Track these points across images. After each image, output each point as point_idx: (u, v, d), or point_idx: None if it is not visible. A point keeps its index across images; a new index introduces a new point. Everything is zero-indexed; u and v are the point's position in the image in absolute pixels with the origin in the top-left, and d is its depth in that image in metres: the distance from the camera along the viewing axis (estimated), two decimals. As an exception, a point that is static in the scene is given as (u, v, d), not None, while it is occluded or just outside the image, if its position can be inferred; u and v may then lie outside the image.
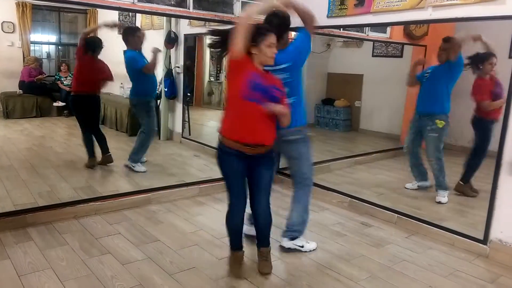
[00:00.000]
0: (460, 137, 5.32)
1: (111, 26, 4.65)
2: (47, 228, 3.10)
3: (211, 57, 8.88)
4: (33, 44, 8.40)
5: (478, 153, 4.03)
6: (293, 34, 2.86)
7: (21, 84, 7.72)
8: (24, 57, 8.01)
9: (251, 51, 2.30)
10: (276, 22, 2.56)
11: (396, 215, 3.52)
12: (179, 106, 6.21)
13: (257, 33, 2.28)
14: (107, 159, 4.63)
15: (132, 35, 4.28)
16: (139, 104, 4.49)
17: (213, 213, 3.58)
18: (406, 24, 4.71)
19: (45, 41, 8.84)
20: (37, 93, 7.70)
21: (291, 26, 2.67)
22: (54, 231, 3.07)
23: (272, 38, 2.30)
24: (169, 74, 6.08)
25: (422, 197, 4.07)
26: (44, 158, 4.94)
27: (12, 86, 7.64)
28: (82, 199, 3.48)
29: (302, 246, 2.89)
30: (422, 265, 2.81)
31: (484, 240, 2.97)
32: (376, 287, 2.51)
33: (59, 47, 9.04)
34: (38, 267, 2.55)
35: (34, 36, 8.45)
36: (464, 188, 4.08)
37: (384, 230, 3.39)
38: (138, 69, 4.27)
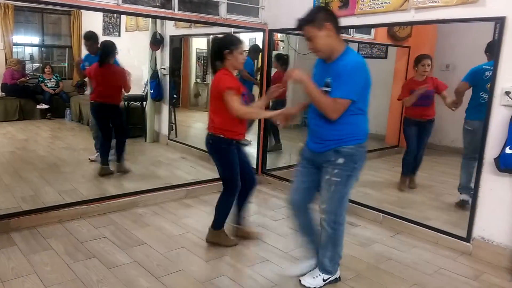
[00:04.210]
0: (444, 137, 5.42)
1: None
2: (31, 233, 3.05)
3: (198, 58, 8.85)
4: (15, 46, 8.26)
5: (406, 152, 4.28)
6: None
7: (3, 87, 7.59)
8: (6, 59, 7.87)
9: (226, 57, 2.73)
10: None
11: (382, 214, 3.56)
12: (165, 108, 6.17)
13: (231, 42, 2.76)
14: (118, 168, 4.53)
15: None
16: None
17: (200, 215, 3.57)
18: (389, 25, 4.78)
19: (28, 42, 8.71)
20: (20, 95, 7.58)
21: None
22: (38, 235, 3.02)
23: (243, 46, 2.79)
24: (155, 76, 6.04)
25: (407, 197, 4.12)
26: (28, 162, 4.86)
27: (-6, 88, 7.51)
28: (66, 203, 3.43)
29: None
30: (407, 263, 2.85)
31: (467, 238, 3.03)
32: (362, 286, 2.54)
33: (43, 49, 8.91)
34: (22, 272, 2.51)
35: (17, 38, 8.31)
36: (400, 185, 4.33)
37: (369, 229, 3.42)
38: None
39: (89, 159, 4.87)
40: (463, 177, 3.81)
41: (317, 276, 2.50)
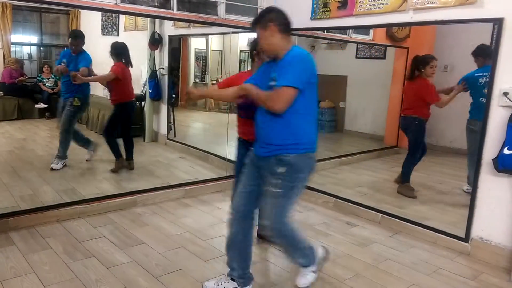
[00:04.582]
0: (441, 137, 5.43)
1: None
2: (29, 232, 3.05)
3: (196, 58, 8.85)
4: (14, 45, 8.24)
5: (413, 153, 4.13)
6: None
7: (2, 86, 7.56)
8: (4, 59, 7.86)
9: (255, 58, 2.74)
10: None
11: (380, 214, 3.56)
12: (164, 108, 6.17)
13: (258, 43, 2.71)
14: (130, 165, 4.67)
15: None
16: None
17: (198, 215, 3.58)
18: (387, 26, 4.78)
19: (26, 42, 8.69)
20: (18, 95, 7.55)
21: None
22: (36, 235, 3.02)
23: None
24: (153, 76, 6.04)
25: (405, 197, 4.13)
26: (26, 161, 4.85)
27: (-8, 88, 7.49)
28: (65, 202, 3.43)
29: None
30: (405, 263, 2.86)
31: (466, 238, 3.04)
32: (361, 286, 2.54)
33: (41, 48, 8.89)
34: (21, 271, 2.51)
35: (15, 37, 8.29)
36: (402, 189, 4.16)
37: (368, 229, 3.43)
38: None
39: (86, 159, 4.85)
40: (470, 172, 3.81)
41: (306, 274, 2.40)
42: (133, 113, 4.75)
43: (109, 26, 7.28)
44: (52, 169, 4.45)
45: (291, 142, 2.14)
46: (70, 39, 4.53)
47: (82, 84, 4.42)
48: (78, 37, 4.57)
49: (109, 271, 2.57)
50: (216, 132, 6.73)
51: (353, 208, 3.75)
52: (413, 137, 4.14)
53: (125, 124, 4.64)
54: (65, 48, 5.04)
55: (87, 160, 4.83)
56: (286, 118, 2.11)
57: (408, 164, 4.17)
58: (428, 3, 3.07)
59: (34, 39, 8.78)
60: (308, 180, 2.26)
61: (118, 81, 4.40)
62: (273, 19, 2.20)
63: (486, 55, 3.66)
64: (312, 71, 2.15)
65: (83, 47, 4.53)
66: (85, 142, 4.81)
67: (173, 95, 6.56)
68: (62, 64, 4.47)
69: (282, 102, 2.06)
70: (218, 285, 2.37)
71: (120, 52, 4.43)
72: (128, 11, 3.56)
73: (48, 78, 7.96)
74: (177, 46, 7.63)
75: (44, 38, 8.81)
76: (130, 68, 4.56)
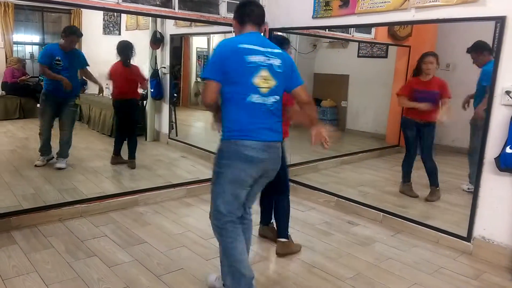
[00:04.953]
0: (444, 136, 5.42)
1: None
2: (31, 231, 3.05)
3: (198, 57, 8.86)
4: (16, 45, 8.26)
5: (406, 152, 4.12)
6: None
7: (4, 85, 7.58)
8: (6, 58, 7.88)
9: None
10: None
11: (382, 213, 3.56)
12: (165, 107, 6.17)
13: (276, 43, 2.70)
14: (132, 164, 4.74)
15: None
16: None
17: (200, 214, 3.58)
18: (389, 25, 4.77)
19: (28, 41, 8.71)
20: (20, 94, 7.57)
21: None
22: (39, 234, 3.02)
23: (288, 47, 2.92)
24: (155, 75, 6.05)
25: (407, 196, 4.12)
26: (28, 160, 4.85)
27: (-6, 87, 7.51)
28: (67, 202, 3.44)
29: None
30: (407, 262, 2.85)
31: (468, 238, 3.03)
32: (362, 285, 2.54)
33: (43, 47, 8.91)
34: (23, 270, 2.51)
35: (17, 36, 8.32)
36: (403, 188, 4.17)
37: (370, 228, 3.43)
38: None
39: (36, 165, 4.55)
40: (472, 170, 3.83)
41: None
42: (121, 111, 4.75)
43: (111, 25, 7.29)
44: (58, 169, 4.47)
45: (224, 129, 2.17)
46: (72, 36, 4.36)
47: (77, 82, 4.64)
48: (81, 35, 4.61)
49: (111, 270, 2.57)
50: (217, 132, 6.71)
51: (355, 207, 3.74)
52: (404, 136, 4.17)
53: (129, 122, 4.73)
54: (47, 44, 5.03)
55: (36, 166, 4.56)
56: (222, 108, 2.17)
57: (405, 163, 4.16)
58: (430, 2, 3.06)
59: (36, 38, 8.80)
60: (242, 169, 2.09)
61: (111, 80, 4.64)
62: (234, 15, 2.30)
63: (491, 50, 3.64)
64: (225, 60, 2.05)
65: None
66: (47, 149, 4.65)
67: (175, 94, 6.57)
68: (57, 63, 4.30)
69: (204, 95, 2.11)
70: (220, 279, 2.36)
71: (118, 51, 4.50)
72: (130, 10, 3.56)
73: (50, 78, 7.97)
74: (179, 45, 7.65)
75: (46, 38, 8.83)
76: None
